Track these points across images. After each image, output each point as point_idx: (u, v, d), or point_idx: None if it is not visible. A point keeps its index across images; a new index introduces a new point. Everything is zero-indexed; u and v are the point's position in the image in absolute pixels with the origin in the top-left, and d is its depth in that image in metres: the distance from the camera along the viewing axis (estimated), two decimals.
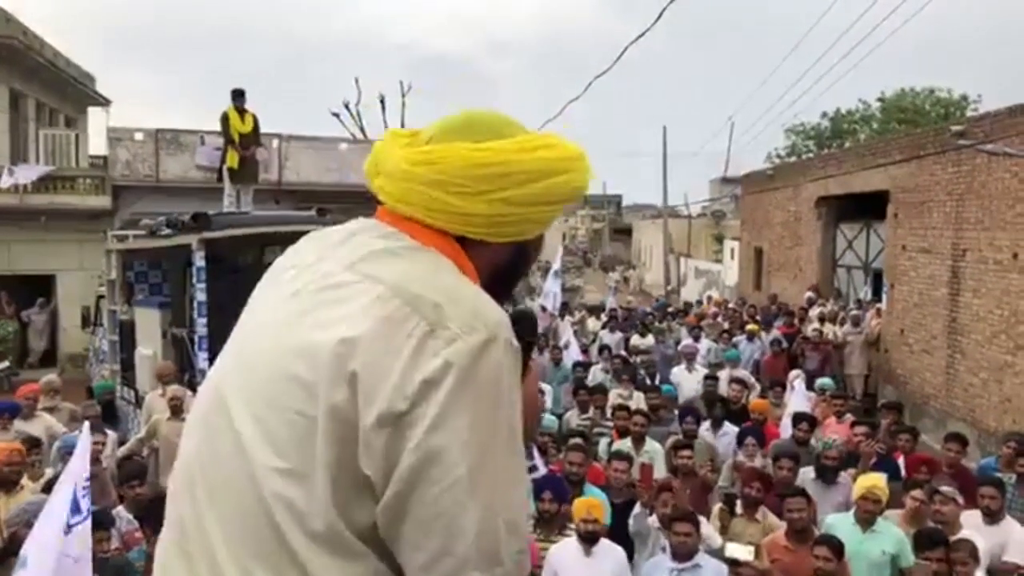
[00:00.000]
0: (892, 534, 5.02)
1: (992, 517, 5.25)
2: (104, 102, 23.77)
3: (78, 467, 4.21)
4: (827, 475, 6.01)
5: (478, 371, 0.99)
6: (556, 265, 15.90)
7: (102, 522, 4.54)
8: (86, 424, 5.23)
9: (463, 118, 1.21)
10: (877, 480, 5.27)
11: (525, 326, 1.19)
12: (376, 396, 0.97)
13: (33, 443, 6.06)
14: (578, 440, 6.28)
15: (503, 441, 1.02)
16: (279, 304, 1.13)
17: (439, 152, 1.13)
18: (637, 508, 5.45)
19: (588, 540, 4.84)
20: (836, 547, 4.59)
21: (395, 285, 1.04)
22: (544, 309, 13.88)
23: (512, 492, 1.04)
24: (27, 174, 16.67)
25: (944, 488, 5.23)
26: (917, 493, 5.36)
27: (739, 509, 5.57)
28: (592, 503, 5.03)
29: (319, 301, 1.07)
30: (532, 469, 5.72)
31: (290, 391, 1.02)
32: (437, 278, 1.07)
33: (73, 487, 4.07)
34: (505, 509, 1.02)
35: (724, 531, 5.42)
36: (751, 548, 4.69)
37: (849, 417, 7.92)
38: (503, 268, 1.21)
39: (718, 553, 4.85)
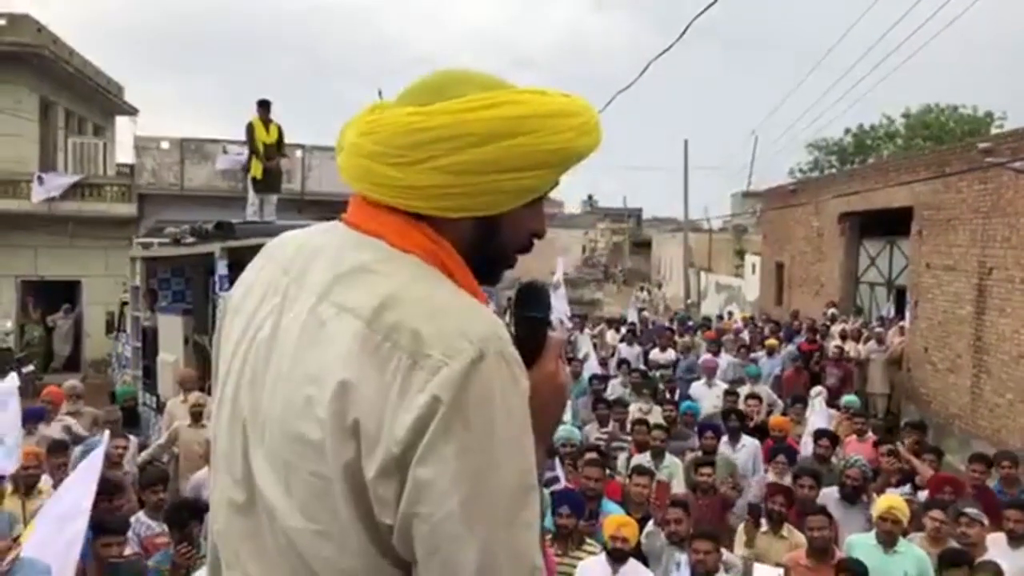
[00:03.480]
0: (915, 555, 4.94)
1: (1017, 540, 5.17)
2: (132, 111, 24.10)
3: (93, 473, 4.28)
4: (849, 495, 5.94)
5: (467, 397, 0.91)
6: (558, 275, 14.94)
7: (116, 528, 4.53)
8: (106, 433, 5.29)
9: (427, 79, 1.10)
10: (896, 501, 5.20)
11: (533, 300, 1.12)
12: (376, 447, 0.92)
13: (61, 446, 6.07)
14: (595, 455, 6.24)
15: (501, 466, 0.93)
16: (265, 345, 1.06)
17: (379, 121, 1.05)
18: (650, 526, 5.38)
19: (617, 558, 4.74)
20: (858, 572, 4.51)
21: (371, 318, 0.96)
22: (561, 322, 13.76)
23: (516, 520, 0.94)
24: (56, 184, 16.95)
25: (969, 510, 5.16)
26: (936, 513, 5.30)
27: (764, 525, 5.52)
28: (623, 520, 4.92)
29: (303, 345, 1.01)
30: (553, 480, 5.65)
31: (302, 452, 0.97)
32: (413, 294, 0.98)
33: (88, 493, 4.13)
34: (508, 540, 0.93)
35: (751, 544, 5.34)
36: (780, 572, 4.64)
37: (870, 435, 7.84)
38: (469, 249, 1.08)
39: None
